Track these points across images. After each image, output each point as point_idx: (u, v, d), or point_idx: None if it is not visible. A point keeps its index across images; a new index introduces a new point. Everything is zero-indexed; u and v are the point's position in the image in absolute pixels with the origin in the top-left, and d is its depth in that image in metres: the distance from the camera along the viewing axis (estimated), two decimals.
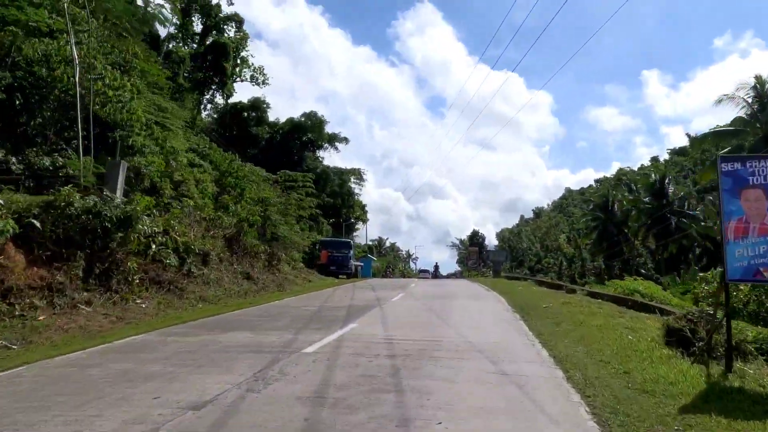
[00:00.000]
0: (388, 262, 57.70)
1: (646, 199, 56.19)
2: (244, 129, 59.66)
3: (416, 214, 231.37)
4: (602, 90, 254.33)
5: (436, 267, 73.33)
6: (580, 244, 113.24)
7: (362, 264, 48.29)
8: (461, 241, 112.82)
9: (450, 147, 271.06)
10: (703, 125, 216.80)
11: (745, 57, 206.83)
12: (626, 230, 59.36)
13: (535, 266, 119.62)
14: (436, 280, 41.13)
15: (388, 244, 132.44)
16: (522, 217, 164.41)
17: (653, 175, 56.74)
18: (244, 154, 59.86)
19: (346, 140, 68.99)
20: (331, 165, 68.55)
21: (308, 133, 63.99)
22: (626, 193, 62.91)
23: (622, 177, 72.22)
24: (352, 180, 70.55)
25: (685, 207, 55.05)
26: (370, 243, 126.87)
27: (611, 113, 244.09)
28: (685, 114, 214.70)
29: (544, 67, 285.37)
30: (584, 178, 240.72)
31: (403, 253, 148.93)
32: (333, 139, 68.28)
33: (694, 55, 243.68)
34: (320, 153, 69.36)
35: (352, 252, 38.20)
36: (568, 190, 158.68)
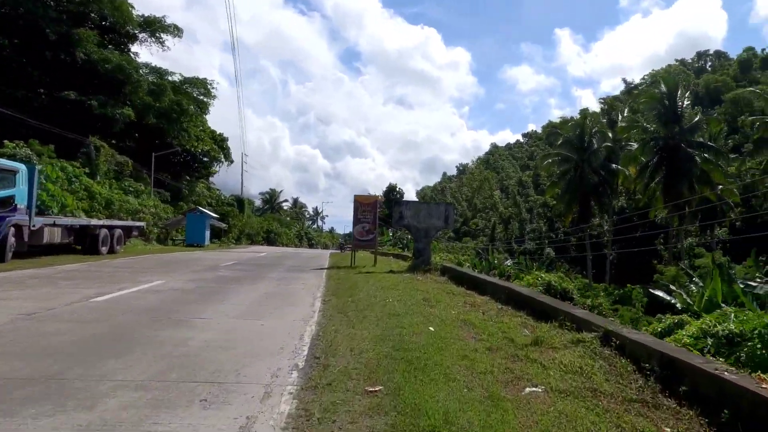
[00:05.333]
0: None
1: (650, 127, 35.88)
2: None
3: (334, 172, 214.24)
4: (518, 48, 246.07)
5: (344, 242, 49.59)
6: (519, 201, 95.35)
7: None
8: (380, 201, 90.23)
9: (368, 104, 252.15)
10: (608, 88, 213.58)
11: (646, 16, 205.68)
12: (609, 176, 39.16)
13: (461, 229, 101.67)
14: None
15: (286, 198, 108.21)
16: (445, 174, 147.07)
17: (661, 86, 36.32)
18: None
19: (176, 30, 42.31)
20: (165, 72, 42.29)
21: (95, 4, 36.67)
22: (605, 123, 42.64)
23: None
24: (191, 90, 44.58)
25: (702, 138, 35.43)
26: (261, 196, 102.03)
27: (527, 72, 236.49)
28: (595, 75, 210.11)
29: (461, 23, 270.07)
30: (502, 138, 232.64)
31: (309, 210, 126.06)
32: (151, 26, 41.39)
33: (601, 14, 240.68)
34: (137, 48, 42.67)
35: None
36: (494, 146, 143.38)
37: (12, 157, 22.67)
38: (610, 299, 24.10)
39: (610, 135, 39.79)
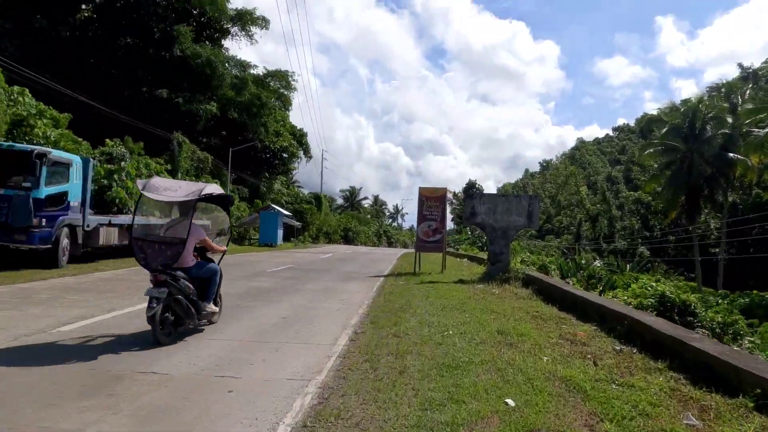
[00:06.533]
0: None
1: None
2: None
3: (416, 170, 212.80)
4: (612, 39, 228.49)
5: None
6: (609, 197, 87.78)
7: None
8: (455, 195, 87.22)
9: (451, 101, 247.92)
10: (714, 77, 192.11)
11: None
12: (725, 167, 33.51)
13: (543, 226, 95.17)
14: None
15: (366, 196, 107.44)
16: (527, 170, 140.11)
17: None
18: (61, 19, 33.43)
19: (263, 22, 41.86)
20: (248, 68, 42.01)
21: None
22: (726, 107, 36.53)
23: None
24: (274, 84, 43.97)
25: None
26: (340, 194, 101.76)
27: (620, 64, 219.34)
28: (699, 65, 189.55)
29: (552, 15, 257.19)
30: (589, 134, 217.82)
31: (390, 208, 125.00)
32: (242, 19, 41.36)
33: None
34: (227, 43, 42.90)
35: (40, 178, 12.33)
36: (581, 141, 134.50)
37: (109, 155, 22.47)
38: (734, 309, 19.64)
39: (729, 121, 34.06)
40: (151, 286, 5.46)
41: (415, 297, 9.21)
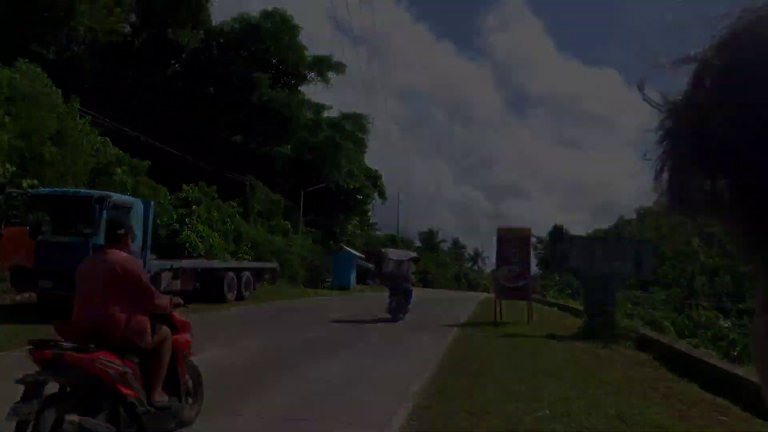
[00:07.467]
0: None
1: None
2: (160, 33, 35.85)
3: (497, 214, 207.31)
4: None
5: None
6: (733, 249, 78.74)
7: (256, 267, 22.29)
8: (540, 239, 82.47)
9: (535, 146, 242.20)
10: None
11: None
12: None
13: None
14: None
15: (444, 239, 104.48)
16: (622, 216, 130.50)
17: None
18: (152, 72, 36.06)
19: (341, 67, 42.66)
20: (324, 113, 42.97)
21: (269, 45, 38.57)
22: None
23: None
24: (349, 127, 44.27)
25: None
26: (418, 236, 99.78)
27: None
28: None
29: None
30: None
31: (470, 251, 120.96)
32: (319, 64, 42.38)
33: None
34: (303, 88, 44.07)
35: (99, 223, 11.84)
36: None
37: (185, 199, 22.95)
38: None
39: None
40: (389, 294, 13.88)
41: (496, 357, 7.35)
